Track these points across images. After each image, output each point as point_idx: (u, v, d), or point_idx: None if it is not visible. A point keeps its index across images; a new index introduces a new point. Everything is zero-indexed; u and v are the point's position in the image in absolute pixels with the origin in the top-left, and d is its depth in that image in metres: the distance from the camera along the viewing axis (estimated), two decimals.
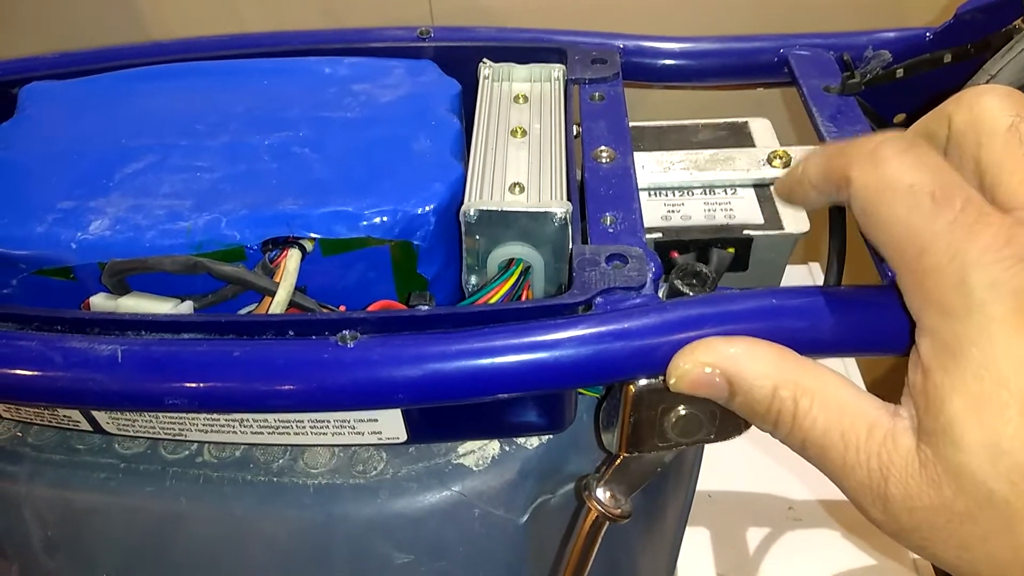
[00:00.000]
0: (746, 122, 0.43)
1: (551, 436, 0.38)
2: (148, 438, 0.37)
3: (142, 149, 0.40)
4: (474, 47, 0.47)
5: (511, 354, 0.28)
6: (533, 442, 0.38)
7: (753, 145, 0.41)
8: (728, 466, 0.70)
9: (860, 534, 0.67)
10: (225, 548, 0.37)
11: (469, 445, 0.38)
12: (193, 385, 0.28)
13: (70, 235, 0.35)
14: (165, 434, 0.36)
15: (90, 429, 0.37)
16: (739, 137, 0.42)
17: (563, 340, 0.28)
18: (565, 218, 0.34)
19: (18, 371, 0.29)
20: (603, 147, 0.38)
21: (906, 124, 0.46)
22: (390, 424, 0.34)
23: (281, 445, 0.37)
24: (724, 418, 0.30)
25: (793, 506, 0.69)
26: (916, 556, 0.64)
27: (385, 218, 0.36)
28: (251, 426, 0.35)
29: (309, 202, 0.36)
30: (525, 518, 0.38)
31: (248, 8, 0.87)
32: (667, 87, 0.47)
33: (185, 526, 0.37)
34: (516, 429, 0.36)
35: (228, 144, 0.40)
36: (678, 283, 0.30)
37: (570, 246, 0.34)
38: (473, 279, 0.38)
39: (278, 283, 0.34)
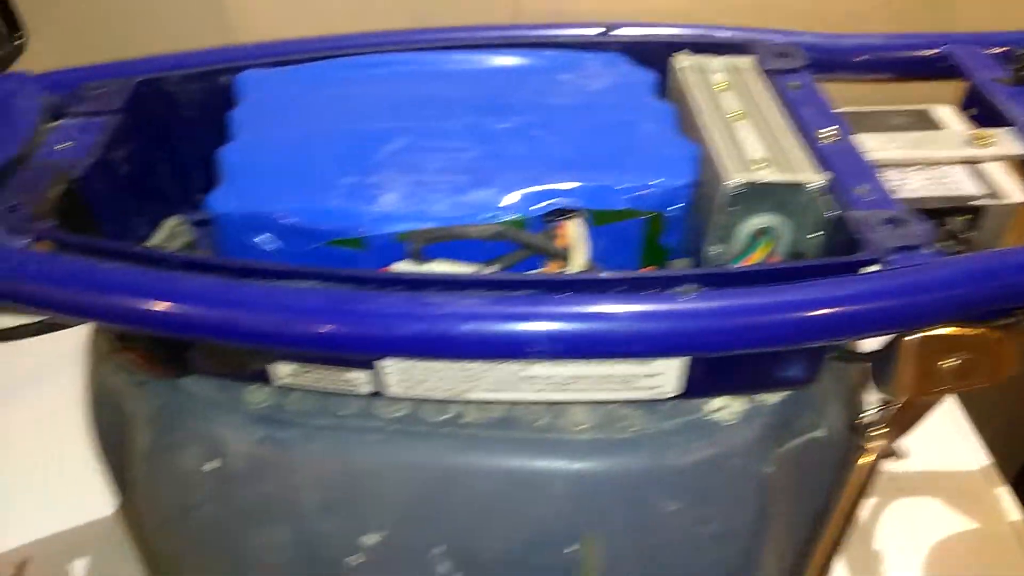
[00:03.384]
0: (926, 109, 0.47)
1: (788, 393, 0.41)
2: (424, 399, 0.39)
3: (389, 131, 0.42)
4: (658, 42, 0.51)
5: (837, 305, 0.32)
6: (771, 399, 0.41)
7: (944, 128, 0.45)
8: None
9: (960, 503, 0.71)
10: (500, 503, 0.39)
11: (716, 403, 0.41)
12: (559, 331, 0.31)
13: (365, 208, 0.37)
14: (446, 394, 0.38)
15: (366, 392, 0.39)
16: (927, 122, 0.46)
17: (878, 291, 0.32)
18: (823, 188, 0.38)
19: (397, 329, 0.31)
20: (824, 128, 0.42)
21: None
22: (670, 377, 0.37)
23: (550, 402, 0.39)
24: (996, 363, 0.34)
25: (894, 477, 0.73)
26: (1016, 519, 0.69)
27: (648, 191, 0.39)
28: (537, 382, 0.37)
29: (577, 177, 0.39)
30: (770, 468, 0.41)
31: (333, 7, 0.89)
32: (837, 80, 0.51)
33: (460, 482, 0.39)
34: (775, 383, 0.39)
35: (468, 127, 0.43)
36: (950, 243, 0.34)
37: (826, 214, 0.38)
38: (716, 249, 0.41)
39: (563, 249, 0.37)
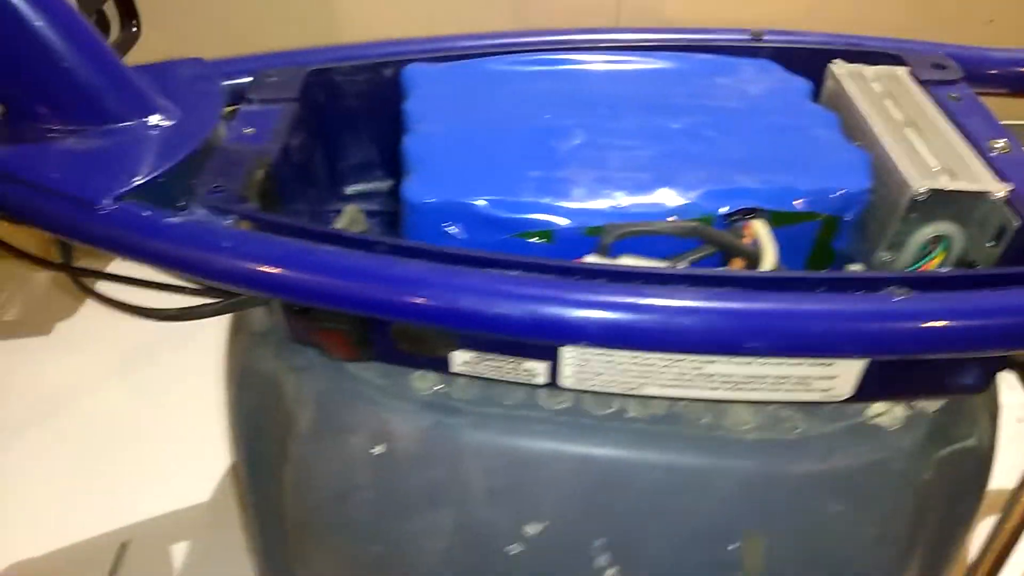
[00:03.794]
0: None
1: (946, 401, 0.41)
2: (595, 391, 0.40)
3: (564, 128, 0.43)
4: (808, 49, 0.51)
5: None
6: (931, 406, 0.42)
7: None
8: None
9: None
10: (664, 498, 0.40)
11: (877, 407, 0.41)
12: (776, 331, 0.31)
13: (555, 202, 0.38)
14: (620, 387, 0.39)
15: (541, 383, 0.39)
16: None
17: None
18: (1004, 198, 0.38)
19: (612, 314, 0.32)
20: (994, 139, 0.42)
21: None
22: (846, 380, 0.37)
23: (715, 400, 0.40)
24: None
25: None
26: None
27: (828, 195, 0.39)
28: (714, 380, 0.38)
29: (758, 179, 0.39)
30: (928, 474, 0.41)
31: (439, 9, 0.90)
32: (991, 94, 0.51)
33: (625, 476, 0.40)
34: (947, 390, 0.39)
35: (641, 126, 0.43)
36: None
37: (1015, 223, 0.38)
38: (887, 255, 0.41)
39: (752, 248, 0.37)
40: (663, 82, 0.48)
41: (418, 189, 0.38)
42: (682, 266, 0.38)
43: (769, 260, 0.36)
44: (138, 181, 0.37)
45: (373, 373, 0.43)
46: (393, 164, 0.44)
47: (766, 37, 0.52)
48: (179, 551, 0.68)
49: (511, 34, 0.52)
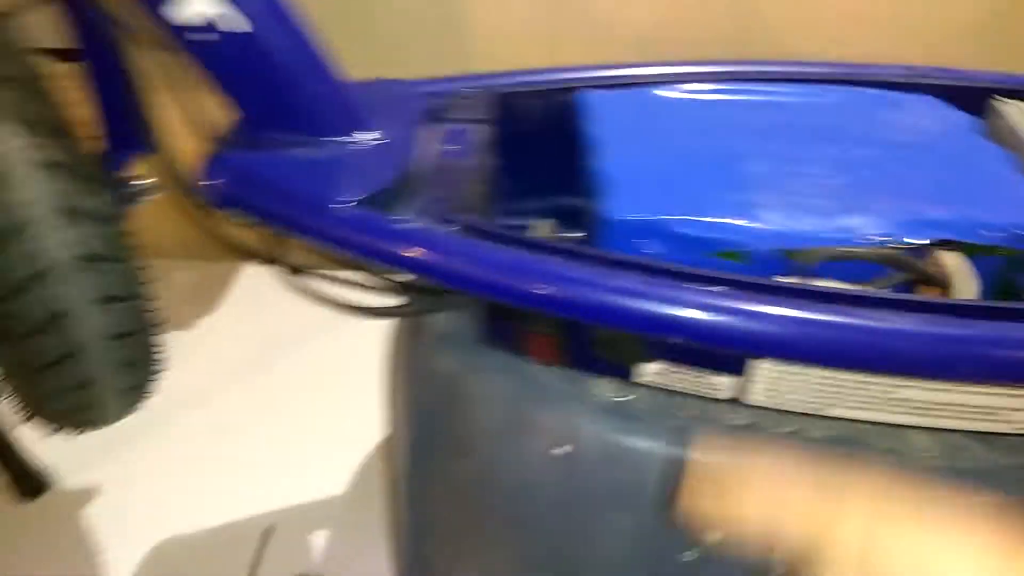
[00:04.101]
0: None
1: None
2: (780, 409, 0.41)
3: (749, 153, 0.45)
4: (968, 86, 0.52)
5: None
6: None
7: None
8: None
9: None
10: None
11: None
12: (988, 357, 0.32)
13: (753, 225, 0.40)
14: (807, 407, 0.40)
15: (724, 397, 0.41)
16: None
17: None
18: None
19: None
20: None
21: None
22: None
23: (896, 425, 0.41)
24: None
25: None
26: None
27: (1020, 231, 0.40)
28: (904, 405, 0.39)
29: (949, 211, 0.41)
30: None
31: (566, 42, 0.94)
32: None
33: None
34: None
35: (823, 155, 0.45)
36: None
37: None
38: None
39: (943, 276, 0.39)
40: (835, 113, 0.49)
41: (619, 207, 0.41)
42: (882, 291, 0.39)
43: (970, 289, 0.38)
44: (368, 189, 0.40)
45: (556, 378, 0.45)
46: (563, 183, 0.47)
47: (922, 72, 0.53)
48: (319, 538, 0.71)
49: (676, 63, 0.55)
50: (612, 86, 0.52)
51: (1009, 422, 0.39)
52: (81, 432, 0.58)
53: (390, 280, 0.43)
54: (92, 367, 0.49)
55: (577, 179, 0.47)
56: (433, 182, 0.42)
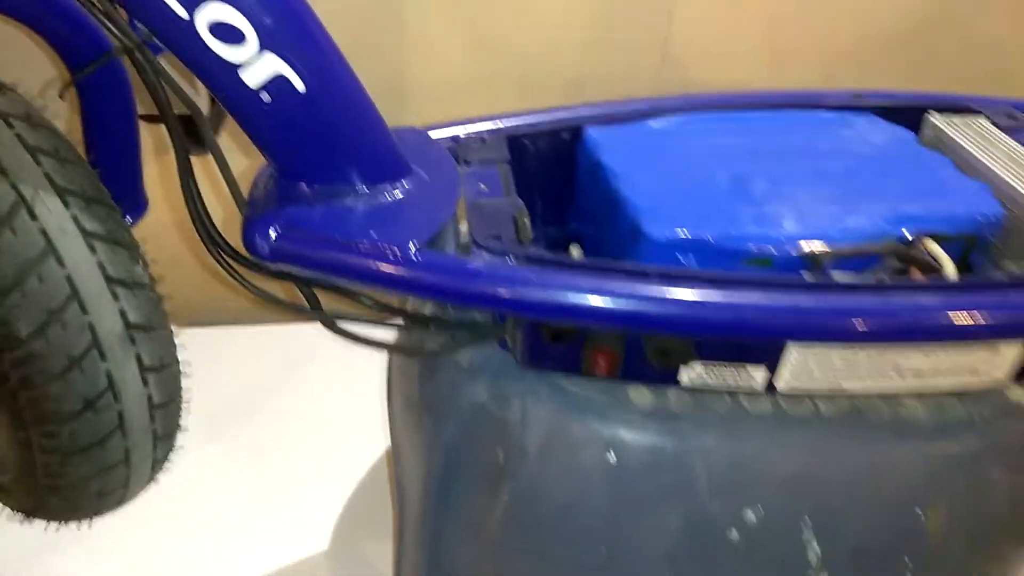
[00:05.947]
0: None
1: None
2: (800, 394, 0.47)
3: (747, 174, 0.51)
4: (904, 106, 0.61)
5: None
6: None
7: None
8: None
9: None
10: (861, 477, 0.47)
11: (1019, 392, 0.50)
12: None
13: (775, 233, 0.46)
14: (824, 385, 0.46)
15: (759, 388, 0.46)
16: None
17: None
18: None
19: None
20: None
21: None
22: (1006, 367, 0.46)
23: (894, 394, 0.47)
24: None
25: None
26: None
27: (977, 219, 0.48)
28: (902, 371, 0.46)
29: (925, 207, 0.48)
30: None
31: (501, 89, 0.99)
32: None
33: (828, 461, 0.47)
34: None
35: (808, 170, 0.52)
36: None
37: None
38: (1017, 266, 0.50)
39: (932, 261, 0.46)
40: (800, 134, 0.57)
41: (657, 226, 0.46)
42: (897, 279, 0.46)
43: (950, 270, 0.45)
44: (429, 232, 0.43)
45: (594, 391, 0.49)
46: (585, 210, 0.51)
47: (866, 95, 0.62)
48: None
49: (663, 100, 0.61)
50: (610, 121, 0.57)
51: (985, 375, 0.46)
52: (97, 516, 0.55)
53: (423, 319, 0.46)
54: (131, 441, 0.47)
55: (598, 206, 0.51)
56: (487, 221, 0.45)
